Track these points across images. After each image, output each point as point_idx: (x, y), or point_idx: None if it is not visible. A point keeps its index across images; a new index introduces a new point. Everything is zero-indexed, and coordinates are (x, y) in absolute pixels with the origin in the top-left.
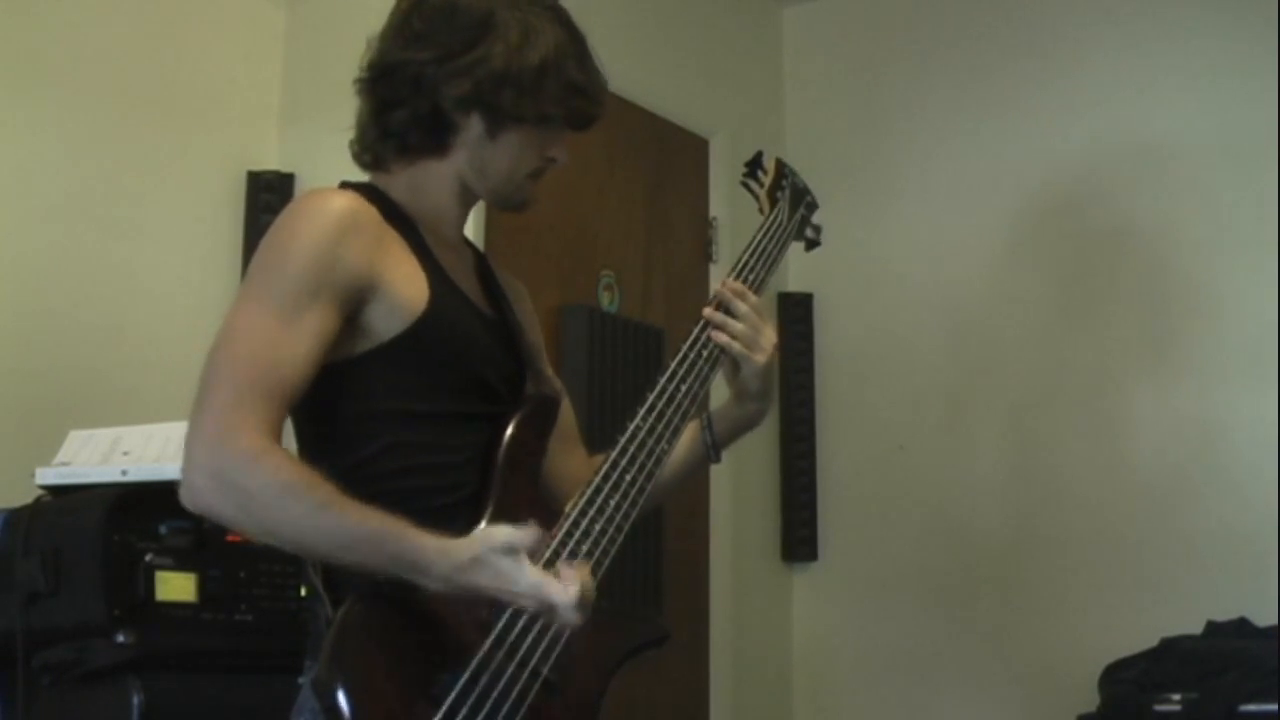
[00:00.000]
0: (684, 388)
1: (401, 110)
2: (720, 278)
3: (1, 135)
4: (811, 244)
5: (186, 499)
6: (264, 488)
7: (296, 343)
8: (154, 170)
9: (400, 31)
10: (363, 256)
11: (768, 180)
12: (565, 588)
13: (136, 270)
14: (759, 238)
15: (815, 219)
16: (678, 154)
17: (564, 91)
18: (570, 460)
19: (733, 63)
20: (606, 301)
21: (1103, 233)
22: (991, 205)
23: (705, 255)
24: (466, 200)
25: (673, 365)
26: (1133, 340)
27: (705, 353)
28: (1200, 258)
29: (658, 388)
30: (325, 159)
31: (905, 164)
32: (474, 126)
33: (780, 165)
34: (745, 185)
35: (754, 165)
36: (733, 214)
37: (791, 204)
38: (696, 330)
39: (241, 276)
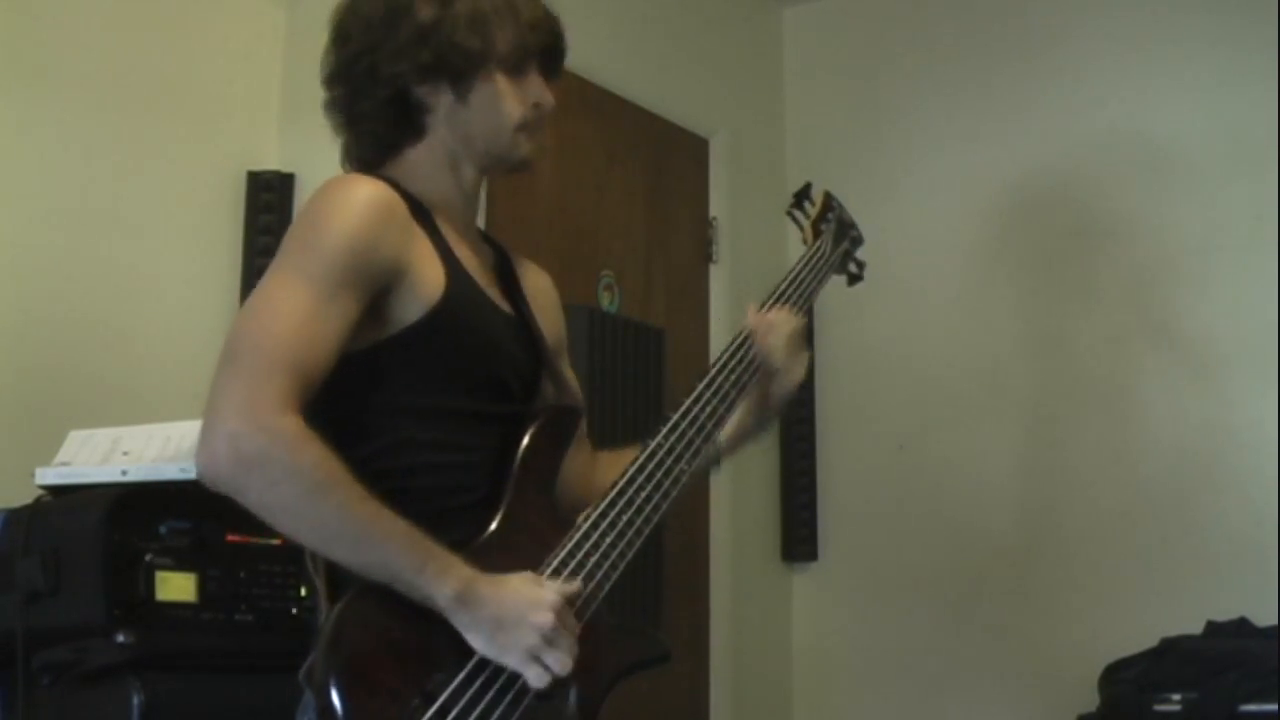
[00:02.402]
0: (708, 409)
1: (365, 104)
2: (720, 278)
3: (2, 135)
4: (854, 278)
5: (204, 466)
6: (302, 473)
7: (329, 325)
8: (154, 170)
9: (337, 39)
10: (396, 245)
11: (814, 211)
12: (559, 659)
13: (137, 270)
14: (799, 268)
15: (859, 254)
16: (678, 154)
17: (515, 30)
18: (577, 458)
19: (733, 63)
20: (606, 301)
21: (1104, 233)
22: (991, 205)
23: (705, 255)
24: (464, 185)
25: (700, 387)
26: (1133, 340)
27: (733, 377)
28: (1201, 257)
29: (682, 409)
30: (325, 159)
31: (905, 163)
32: (442, 97)
33: (828, 197)
34: (791, 215)
35: (801, 196)
36: (733, 214)
37: (835, 237)
38: (725, 356)
39: (242, 276)
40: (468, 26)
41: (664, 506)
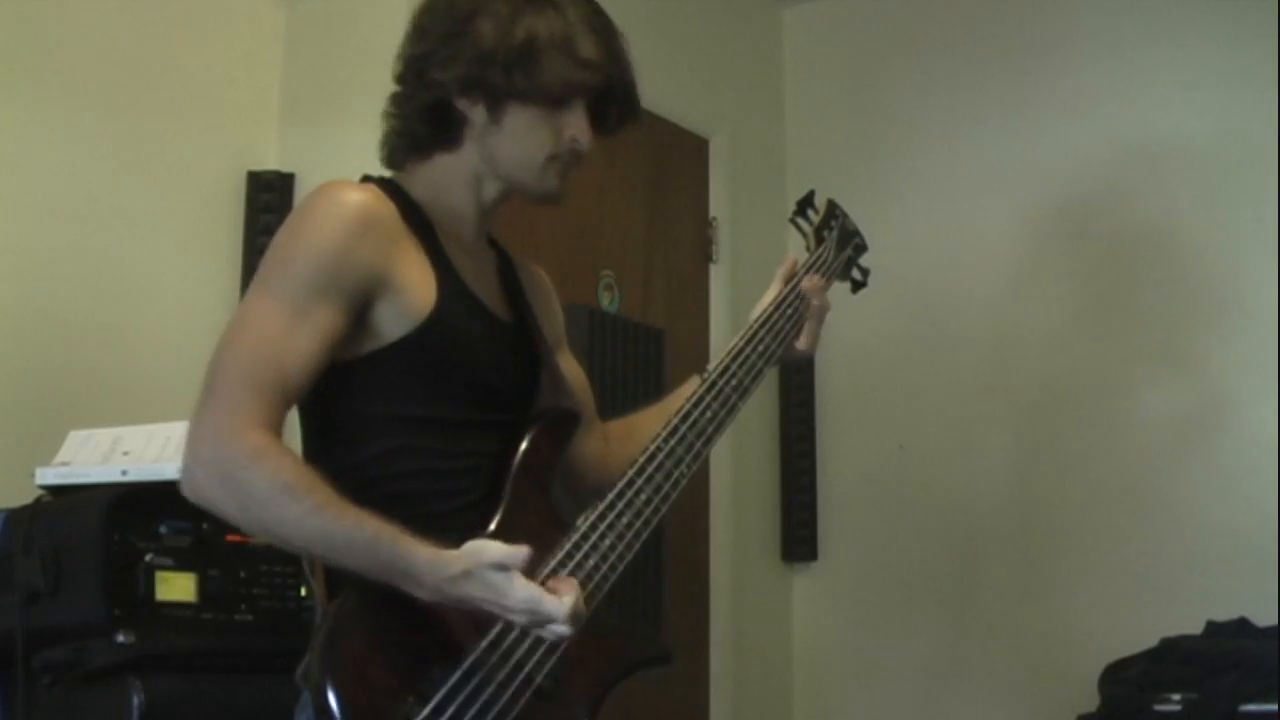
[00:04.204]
0: (708, 414)
1: (409, 105)
2: (720, 278)
3: (1, 135)
4: (858, 285)
5: (187, 490)
6: (263, 486)
7: (303, 340)
8: (154, 170)
9: (410, 33)
10: (375, 254)
11: (817, 219)
12: (559, 601)
13: (136, 270)
14: (801, 274)
15: (864, 261)
16: (678, 154)
17: (564, 67)
18: (590, 441)
19: (733, 63)
20: (606, 301)
21: (1102, 233)
22: (991, 205)
23: (705, 255)
24: (482, 200)
25: (700, 392)
26: (1132, 341)
27: (734, 382)
28: (1200, 258)
29: (682, 413)
30: (325, 159)
31: (905, 164)
32: (478, 114)
33: (831, 205)
34: (794, 223)
35: (804, 204)
36: (733, 214)
37: (838, 244)
38: (727, 359)
39: (242, 276)
40: (519, 56)
41: (663, 509)
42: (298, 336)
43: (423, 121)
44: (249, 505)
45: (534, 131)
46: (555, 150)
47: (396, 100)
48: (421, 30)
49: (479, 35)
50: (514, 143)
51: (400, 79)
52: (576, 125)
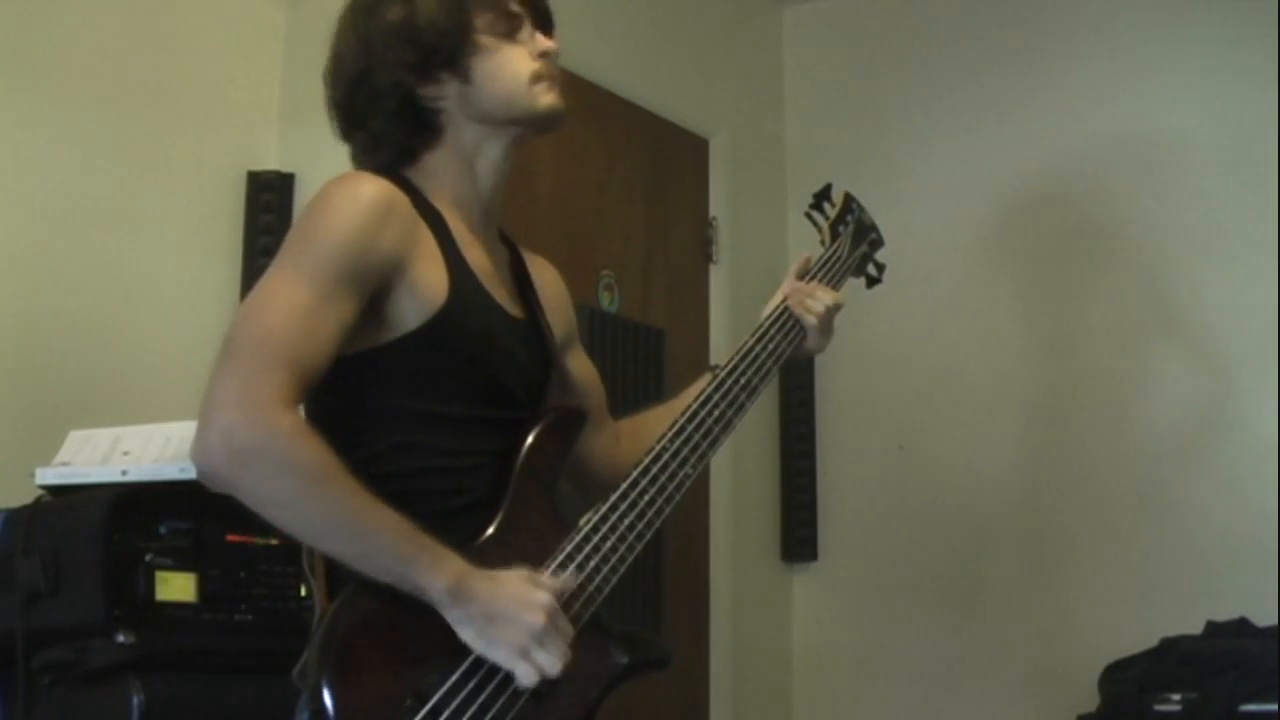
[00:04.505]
0: (716, 413)
1: (378, 122)
2: (720, 278)
3: (1, 135)
4: (872, 281)
5: (199, 459)
6: (298, 467)
7: (326, 322)
8: (154, 170)
9: (333, 76)
10: (396, 241)
11: (833, 213)
12: (549, 659)
13: (137, 270)
14: (814, 270)
15: (879, 256)
16: (678, 154)
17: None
18: (600, 438)
19: (733, 63)
20: (606, 301)
21: (1103, 232)
22: (991, 204)
23: (705, 255)
24: (480, 186)
25: (708, 391)
26: (1132, 340)
27: (743, 381)
28: (1200, 257)
29: (689, 412)
30: (325, 159)
31: (905, 163)
32: (447, 87)
33: (848, 199)
34: (809, 216)
35: (821, 197)
36: (733, 214)
37: (853, 240)
38: (736, 359)
39: (242, 276)
40: (440, 10)
41: (666, 510)
42: (323, 319)
43: (397, 126)
44: (272, 481)
45: (503, 63)
46: (533, 70)
47: (359, 131)
48: (339, 67)
49: (393, 22)
50: (494, 85)
51: (352, 112)
52: (531, 40)
